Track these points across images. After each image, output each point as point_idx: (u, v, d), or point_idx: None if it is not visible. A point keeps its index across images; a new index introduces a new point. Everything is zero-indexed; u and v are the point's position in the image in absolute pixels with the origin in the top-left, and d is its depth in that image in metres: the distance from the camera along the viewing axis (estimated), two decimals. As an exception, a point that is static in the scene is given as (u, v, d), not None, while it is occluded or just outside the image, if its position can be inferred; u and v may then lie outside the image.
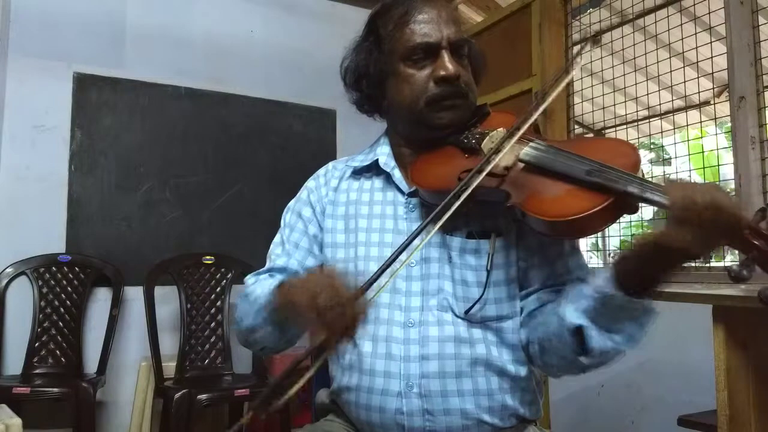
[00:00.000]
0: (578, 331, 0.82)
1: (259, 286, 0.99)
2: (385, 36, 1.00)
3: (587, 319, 0.81)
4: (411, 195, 1.00)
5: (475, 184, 0.83)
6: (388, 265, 0.77)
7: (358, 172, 1.08)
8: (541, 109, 0.89)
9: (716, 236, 0.69)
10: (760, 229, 0.68)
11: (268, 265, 1.08)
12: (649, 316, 0.82)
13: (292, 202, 1.13)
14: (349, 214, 1.04)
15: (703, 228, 0.68)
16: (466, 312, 0.92)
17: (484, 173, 0.84)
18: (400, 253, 0.77)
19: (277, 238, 1.11)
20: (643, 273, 0.75)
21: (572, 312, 0.83)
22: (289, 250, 1.07)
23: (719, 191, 0.69)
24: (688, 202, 0.68)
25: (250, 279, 1.06)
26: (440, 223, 0.82)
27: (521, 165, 0.87)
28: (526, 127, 0.88)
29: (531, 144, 0.89)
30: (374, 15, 1.04)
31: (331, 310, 0.71)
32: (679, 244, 0.69)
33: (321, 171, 1.13)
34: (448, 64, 0.94)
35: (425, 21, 0.95)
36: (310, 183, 1.13)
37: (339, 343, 0.72)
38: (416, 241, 0.80)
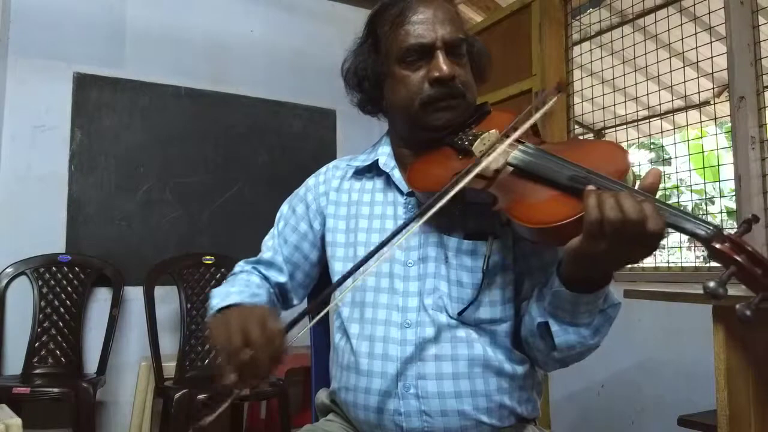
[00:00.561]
0: (546, 328, 0.85)
1: (225, 289, 1.00)
2: (382, 37, 1.00)
3: (548, 315, 0.84)
4: (410, 195, 1.00)
5: (460, 186, 0.82)
6: (360, 265, 0.80)
7: (359, 172, 1.08)
8: (534, 118, 0.89)
9: (627, 249, 0.69)
10: (742, 244, 0.65)
11: (259, 254, 1.12)
12: (613, 308, 0.85)
13: (290, 197, 1.15)
14: (350, 214, 1.05)
15: (611, 241, 0.68)
16: (460, 313, 0.92)
17: (471, 175, 0.83)
18: (378, 250, 0.81)
19: (272, 230, 1.14)
20: (582, 273, 0.77)
21: (536, 310, 0.87)
22: (278, 243, 1.10)
23: (630, 201, 0.67)
24: (596, 214, 0.68)
25: (238, 266, 1.11)
26: (417, 225, 0.83)
27: (510, 169, 0.86)
28: (517, 134, 0.88)
29: (520, 147, 0.88)
30: (372, 15, 1.04)
31: (242, 357, 0.74)
32: (592, 252, 0.71)
33: (322, 169, 1.14)
34: (442, 65, 0.93)
35: (419, 21, 0.95)
36: (310, 180, 1.14)
37: (247, 385, 0.75)
38: (395, 239, 0.82)
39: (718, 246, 0.66)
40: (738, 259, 0.65)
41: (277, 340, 0.76)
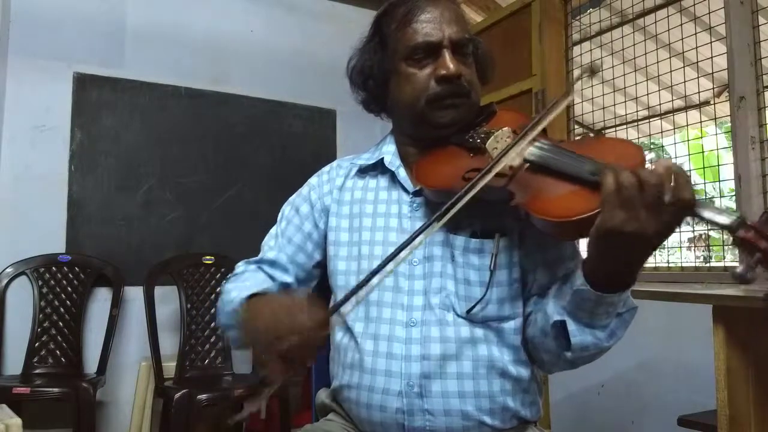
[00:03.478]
0: (561, 327, 0.85)
1: (238, 284, 1.01)
2: (388, 35, 1.00)
3: (567, 314, 0.84)
4: (416, 194, 1.00)
5: (482, 183, 0.83)
6: (384, 264, 0.79)
7: (363, 171, 1.08)
8: (552, 115, 0.89)
9: (643, 213, 0.70)
10: (765, 232, 0.68)
11: (260, 254, 1.10)
12: (630, 312, 0.85)
13: (293, 197, 1.15)
14: (354, 213, 1.05)
15: (629, 206, 0.69)
16: (468, 311, 0.92)
17: (493, 173, 0.84)
18: (401, 251, 0.79)
19: (273, 230, 1.13)
20: (606, 266, 0.77)
21: (553, 308, 0.86)
22: (281, 243, 1.09)
23: (644, 170, 0.70)
24: (613, 183, 0.70)
25: (240, 266, 1.10)
26: (442, 222, 0.82)
27: (526, 165, 0.87)
28: (536, 132, 0.88)
29: (536, 144, 0.88)
30: (379, 14, 1.05)
31: (290, 349, 0.75)
32: (611, 225, 0.71)
33: (326, 168, 1.14)
34: (449, 63, 0.94)
35: (427, 20, 0.96)
36: (313, 180, 1.14)
37: (290, 375, 0.76)
38: (418, 239, 0.81)
39: (743, 234, 0.68)
40: (763, 246, 0.67)
41: (322, 326, 0.76)
